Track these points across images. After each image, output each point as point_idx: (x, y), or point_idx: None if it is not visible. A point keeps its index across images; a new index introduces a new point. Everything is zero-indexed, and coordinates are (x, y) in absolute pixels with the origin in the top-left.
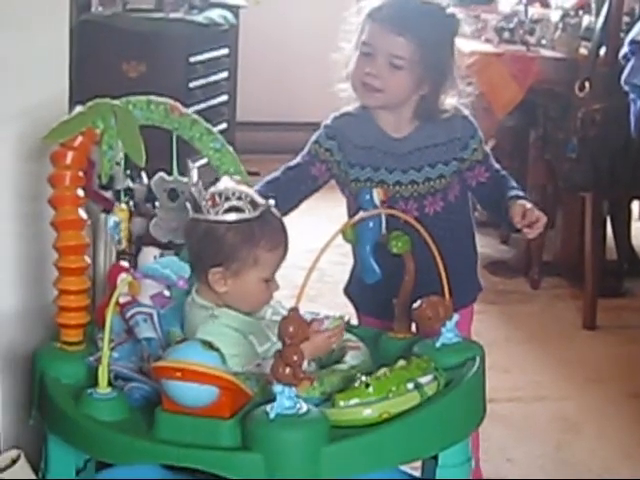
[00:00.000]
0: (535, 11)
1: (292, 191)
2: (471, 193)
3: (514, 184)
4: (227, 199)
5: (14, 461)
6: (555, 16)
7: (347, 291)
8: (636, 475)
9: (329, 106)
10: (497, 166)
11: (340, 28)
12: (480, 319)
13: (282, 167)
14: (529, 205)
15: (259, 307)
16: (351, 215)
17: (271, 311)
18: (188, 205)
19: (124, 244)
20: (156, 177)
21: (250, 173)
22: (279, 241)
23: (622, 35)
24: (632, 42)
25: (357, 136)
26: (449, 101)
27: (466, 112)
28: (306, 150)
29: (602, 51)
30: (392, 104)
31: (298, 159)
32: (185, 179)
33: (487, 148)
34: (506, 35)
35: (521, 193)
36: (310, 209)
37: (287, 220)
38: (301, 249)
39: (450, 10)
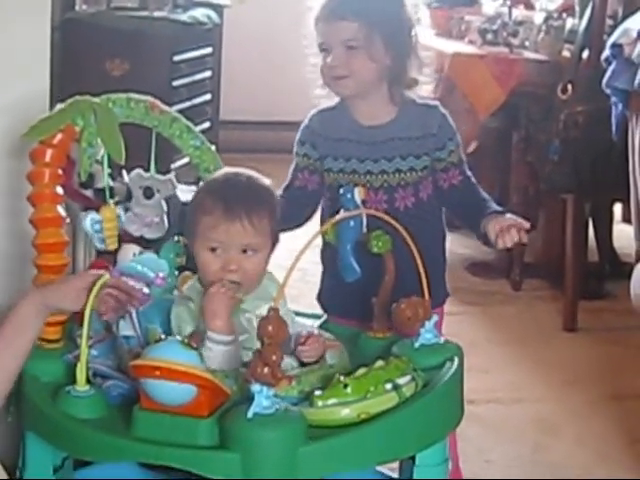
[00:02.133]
0: (519, 13)
1: (294, 211)
2: (441, 196)
3: (486, 195)
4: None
5: None
6: (539, 18)
7: (320, 299)
8: (613, 476)
9: (312, 105)
10: (469, 173)
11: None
12: (460, 320)
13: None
14: (505, 222)
15: (214, 280)
16: (328, 213)
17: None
18: (164, 203)
19: (109, 243)
20: (133, 173)
21: None
22: (211, 206)
23: (605, 38)
24: (613, 45)
25: (330, 129)
26: (415, 73)
27: (444, 111)
28: (293, 164)
29: (585, 54)
30: (363, 87)
31: (288, 176)
32: (162, 177)
33: (462, 154)
34: (489, 37)
35: (497, 208)
36: None
37: None
38: (282, 249)
39: None
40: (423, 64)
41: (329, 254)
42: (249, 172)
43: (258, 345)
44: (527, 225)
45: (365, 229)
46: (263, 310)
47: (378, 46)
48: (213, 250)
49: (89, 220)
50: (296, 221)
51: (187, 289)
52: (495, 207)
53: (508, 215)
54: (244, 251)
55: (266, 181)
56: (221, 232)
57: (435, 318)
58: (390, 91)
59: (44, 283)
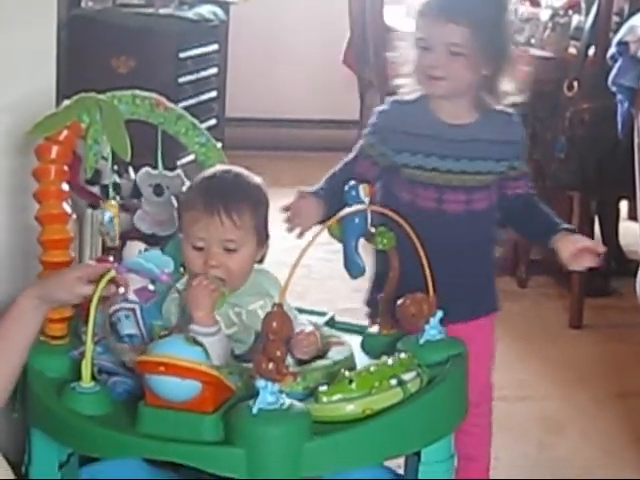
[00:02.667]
0: (525, 10)
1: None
2: (502, 203)
3: (547, 208)
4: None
5: None
6: (545, 15)
7: (370, 303)
8: (619, 475)
9: (318, 103)
10: (533, 192)
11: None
12: None
13: (341, 163)
14: (579, 244)
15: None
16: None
17: (261, 304)
18: (174, 200)
19: (107, 240)
20: (141, 171)
21: None
22: (193, 202)
23: (611, 35)
24: (619, 43)
25: (409, 124)
26: (506, 85)
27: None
28: (357, 145)
29: (591, 51)
30: (457, 91)
31: (350, 154)
32: (170, 174)
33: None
34: None
35: (566, 225)
36: None
37: (275, 216)
38: (287, 246)
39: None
40: (516, 77)
41: (381, 257)
42: (239, 169)
43: (251, 338)
44: (602, 249)
45: (370, 226)
46: (256, 306)
47: (481, 56)
48: (196, 246)
49: (107, 217)
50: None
51: (180, 284)
52: (562, 224)
53: (579, 236)
54: (227, 248)
55: (256, 179)
56: (201, 228)
57: (439, 314)
58: (477, 96)
59: (43, 277)
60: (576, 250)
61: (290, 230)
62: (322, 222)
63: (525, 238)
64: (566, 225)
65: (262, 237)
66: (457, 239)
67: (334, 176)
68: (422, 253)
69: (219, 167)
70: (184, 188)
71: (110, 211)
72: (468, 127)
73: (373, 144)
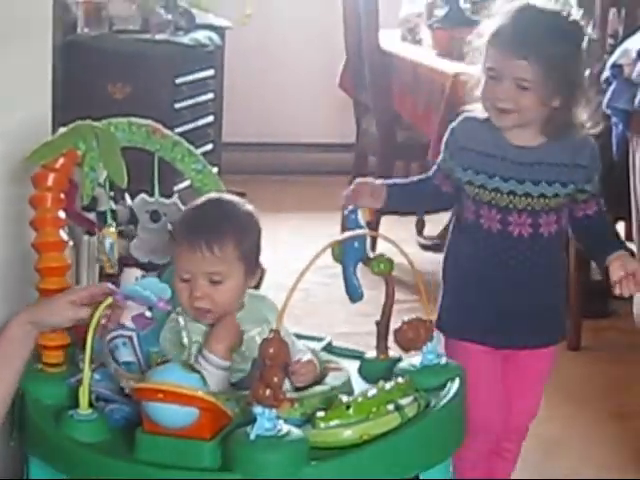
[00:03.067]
0: None
1: (421, 199)
2: (572, 225)
3: (613, 227)
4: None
5: None
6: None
7: (439, 324)
8: None
9: (315, 126)
10: (602, 202)
11: (466, 53)
12: None
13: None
14: (631, 269)
15: (187, 310)
16: (467, 221)
17: (259, 330)
18: (170, 226)
19: (105, 267)
20: (138, 198)
21: (236, 193)
22: (180, 237)
23: (606, 57)
24: (614, 66)
25: (475, 141)
26: (582, 116)
27: (594, 143)
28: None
29: (586, 73)
30: (525, 122)
31: (435, 165)
32: (167, 200)
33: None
34: None
35: (626, 245)
36: (297, 229)
37: (274, 241)
38: (287, 270)
39: (572, 18)
40: (591, 107)
41: (451, 270)
42: (230, 198)
43: (249, 365)
44: None
45: (369, 250)
46: (254, 333)
47: (550, 90)
48: (183, 278)
49: (108, 243)
50: (417, 208)
51: (175, 312)
52: (622, 245)
53: (633, 260)
54: (212, 280)
55: (247, 207)
56: (185, 261)
57: (437, 339)
58: (545, 126)
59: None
60: (626, 274)
61: (344, 207)
62: (378, 211)
63: (589, 256)
64: (625, 245)
65: (251, 265)
66: (523, 263)
67: (412, 179)
68: (421, 284)
69: (209, 196)
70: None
71: (110, 237)
72: (535, 149)
73: (445, 159)
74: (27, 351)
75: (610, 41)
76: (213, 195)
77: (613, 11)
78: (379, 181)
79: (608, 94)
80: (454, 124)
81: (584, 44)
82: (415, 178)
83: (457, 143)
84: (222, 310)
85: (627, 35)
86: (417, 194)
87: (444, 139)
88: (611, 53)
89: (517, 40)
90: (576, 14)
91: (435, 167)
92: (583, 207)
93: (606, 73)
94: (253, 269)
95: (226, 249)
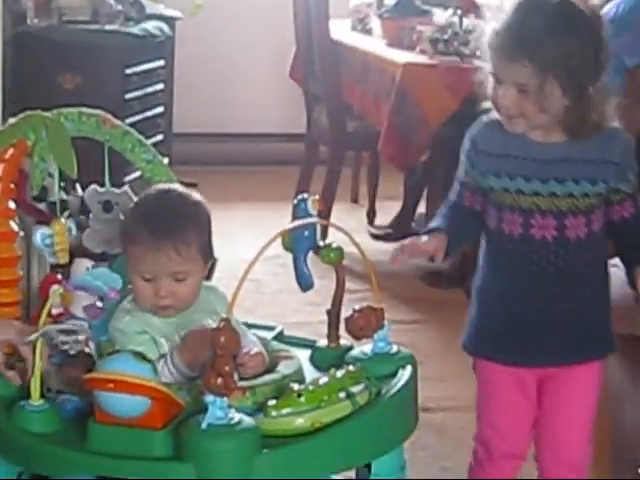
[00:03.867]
0: (469, 22)
1: (465, 230)
2: (608, 228)
3: None
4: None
5: None
6: (490, 27)
7: (467, 347)
8: None
9: (266, 117)
10: None
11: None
12: (416, 329)
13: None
14: None
15: (147, 307)
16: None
17: (209, 321)
18: (122, 217)
19: (60, 257)
20: (89, 189)
21: (187, 184)
22: (136, 236)
23: None
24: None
25: (494, 144)
26: (605, 109)
27: (628, 136)
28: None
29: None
30: (537, 124)
31: (456, 186)
32: (118, 190)
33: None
34: (441, 46)
35: None
36: (248, 219)
37: (225, 232)
38: (238, 260)
39: (581, 7)
40: (610, 104)
41: (476, 281)
42: (178, 189)
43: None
44: None
45: (319, 240)
46: (204, 324)
47: (552, 92)
48: (145, 278)
49: (39, 235)
50: (470, 241)
51: (127, 301)
52: None
53: None
54: (176, 279)
55: (196, 197)
56: (149, 263)
57: (387, 327)
58: (563, 123)
59: None
60: None
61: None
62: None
63: (621, 260)
64: None
65: (207, 256)
66: (546, 269)
67: (446, 214)
68: (372, 273)
69: (159, 189)
70: (131, 205)
71: (52, 228)
72: (559, 145)
73: (467, 171)
74: None
75: None
76: (162, 187)
77: None
78: (425, 238)
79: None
80: (471, 130)
81: (597, 34)
82: (447, 211)
83: (476, 149)
84: (184, 304)
85: None
86: (462, 228)
87: (462, 149)
88: None
89: (512, 43)
90: (592, 10)
91: (458, 187)
92: (619, 209)
93: None
94: (208, 259)
95: (190, 248)
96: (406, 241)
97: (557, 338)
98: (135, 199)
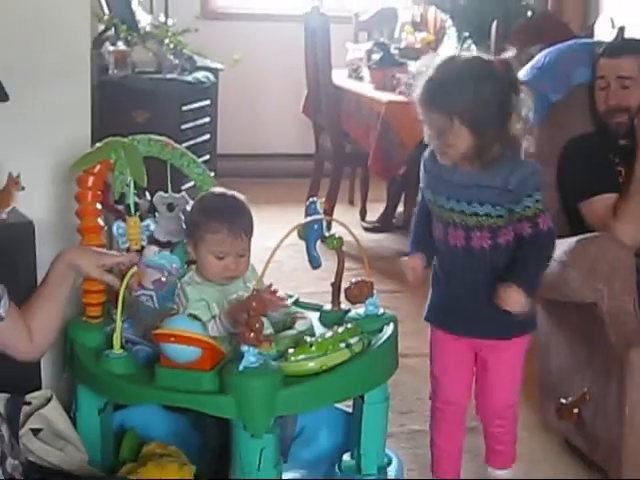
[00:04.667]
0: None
1: (431, 243)
2: (516, 243)
3: (530, 259)
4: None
5: (48, 400)
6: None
7: (426, 317)
8: None
9: (284, 142)
10: (544, 229)
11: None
12: (398, 297)
13: (417, 211)
14: (511, 299)
15: (215, 278)
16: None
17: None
18: (181, 215)
19: (132, 245)
20: (156, 195)
21: None
22: (218, 227)
23: None
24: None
25: (433, 167)
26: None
27: (533, 169)
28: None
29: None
30: (453, 157)
31: (420, 195)
32: (178, 195)
33: (541, 206)
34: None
35: (520, 276)
36: (271, 217)
37: (254, 226)
38: (263, 247)
39: (486, 58)
40: (519, 138)
41: (436, 276)
42: (230, 192)
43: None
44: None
45: (325, 231)
46: (241, 293)
47: (460, 133)
48: (218, 257)
49: (115, 227)
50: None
51: (187, 277)
52: (518, 277)
53: (510, 295)
54: (241, 255)
55: (241, 196)
56: (227, 246)
57: (376, 295)
58: (469, 156)
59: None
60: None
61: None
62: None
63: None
64: (519, 276)
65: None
66: (465, 268)
67: (418, 229)
68: (364, 256)
69: (215, 190)
70: (188, 206)
71: (126, 224)
72: (473, 174)
73: (421, 187)
74: (68, 286)
75: None
76: (219, 189)
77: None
78: (408, 258)
79: None
80: (424, 155)
81: (504, 82)
82: (419, 226)
83: (425, 168)
84: (241, 273)
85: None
86: (428, 244)
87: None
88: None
89: (427, 95)
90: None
91: (420, 199)
92: (519, 227)
93: None
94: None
95: (248, 234)
96: (404, 261)
97: (485, 319)
98: (190, 201)
